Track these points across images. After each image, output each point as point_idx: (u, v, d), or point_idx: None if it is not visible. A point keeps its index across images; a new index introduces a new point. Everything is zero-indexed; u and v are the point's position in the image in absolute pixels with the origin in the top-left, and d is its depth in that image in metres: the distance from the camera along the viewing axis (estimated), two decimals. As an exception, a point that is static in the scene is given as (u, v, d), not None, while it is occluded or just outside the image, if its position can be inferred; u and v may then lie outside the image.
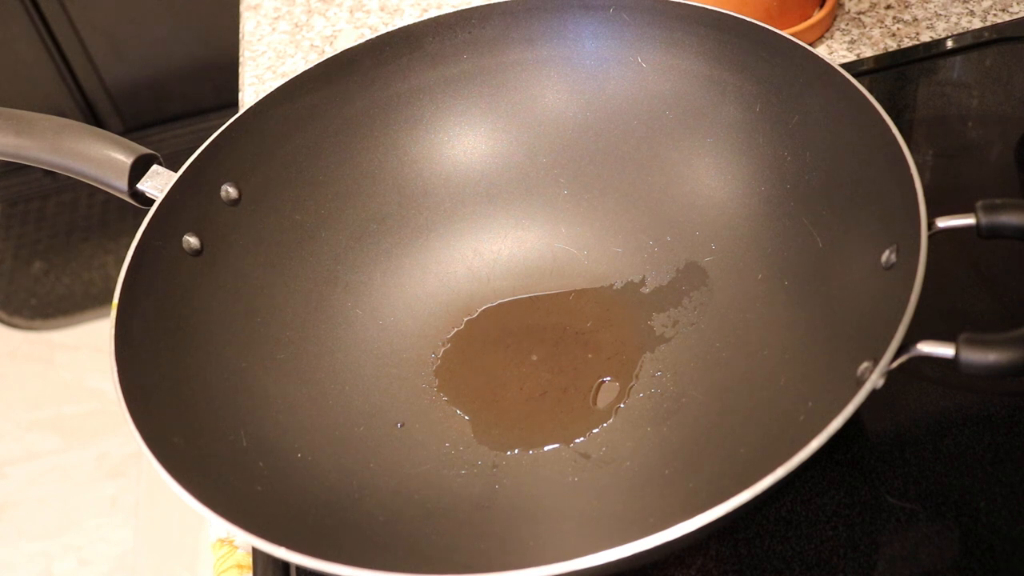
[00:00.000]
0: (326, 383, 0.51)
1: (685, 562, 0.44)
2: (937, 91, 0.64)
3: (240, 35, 0.78)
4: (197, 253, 0.50)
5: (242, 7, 0.81)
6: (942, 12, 0.68)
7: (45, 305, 1.67)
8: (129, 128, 1.74)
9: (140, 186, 0.50)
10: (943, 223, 0.41)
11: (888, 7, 0.69)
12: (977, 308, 0.52)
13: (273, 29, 0.78)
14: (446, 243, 0.57)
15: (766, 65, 0.52)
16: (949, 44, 0.66)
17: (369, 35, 0.56)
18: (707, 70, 0.54)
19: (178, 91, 1.73)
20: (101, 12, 1.61)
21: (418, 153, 0.58)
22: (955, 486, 0.44)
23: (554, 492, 0.47)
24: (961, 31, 0.66)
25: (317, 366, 0.51)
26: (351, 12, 0.78)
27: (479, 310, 0.55)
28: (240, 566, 0.47)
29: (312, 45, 0.76)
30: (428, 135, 0.58)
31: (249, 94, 0.73)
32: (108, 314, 1.50)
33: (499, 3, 0.56)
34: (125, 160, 0.50)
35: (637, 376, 0.51)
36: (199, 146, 0.51)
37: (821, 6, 0.68)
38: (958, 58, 0.65)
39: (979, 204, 0.41)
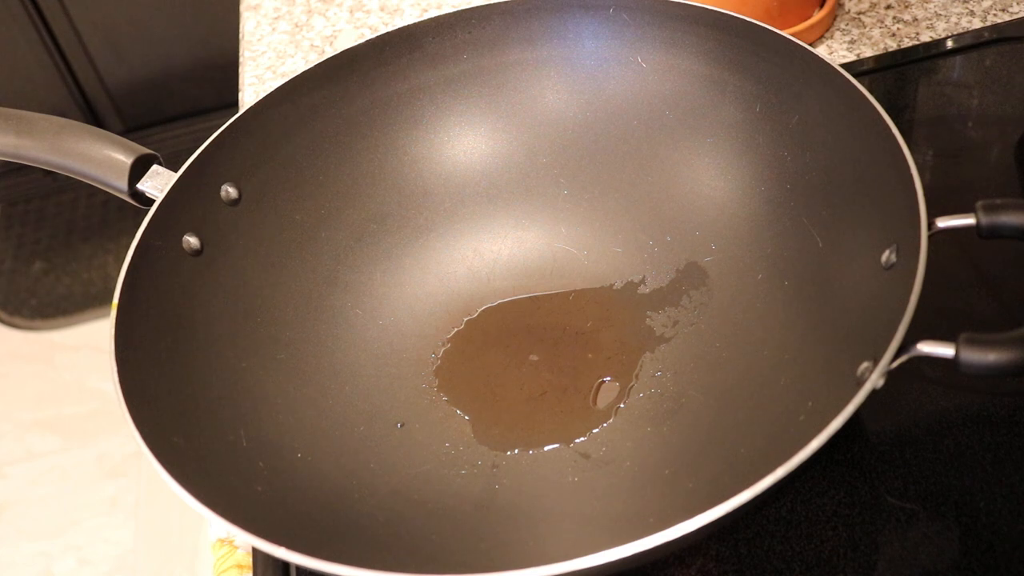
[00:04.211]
0: (326, 383, 0.51)
1: (685, 562, 0.44)
2: (937, 91, 0.64)
3: (240, 35, 0.78)
4: (197, 253, 0.50)
5: (242, 7, 0.81)
6: (942, 12, 0.68)
7: (45, 305, 1.67)
8: (129, 128, 1.74)
9: (140, 186, 0.50)
10: (943, 223, 0.41)
11: (888, 7, 0.69)
12: (977, 308, 0.52)
13: (273, 29, 0.78)
14: (446, 243, 0.57)
15: (766, 65, 0.52)
16: (949, 44, 0.66)
17: (369, 35, 0.56)
18: (707, 70, 0.54)
19: (178, 91, 1.73)
20: (101, 12, 1.61)
21: (418, 153, 0.58)
22: (955, 486, 0.44)
23: (554, 492, 0.47)
24: (961, 31, 0.66)
25: (317, 366, 0.51)
26: (351, 12, 0.78)
27: (479, 310, 0.55)
28: (240, 566, 0.47)
29: (312, 45, 0.76)
30: (428, 135, 0.58)
31: (249, 94, 0.73)
32: (108, 314, 1.50)
33: (499, 3, 0.56)
34: (125, 160, 0.50)
35: (637, 376, 0.51)
36: (199, 146, 0.51)
37: (821, 6, 0.68)
38: (958, 58, 0.65)
39: (979, 204, 0.41)
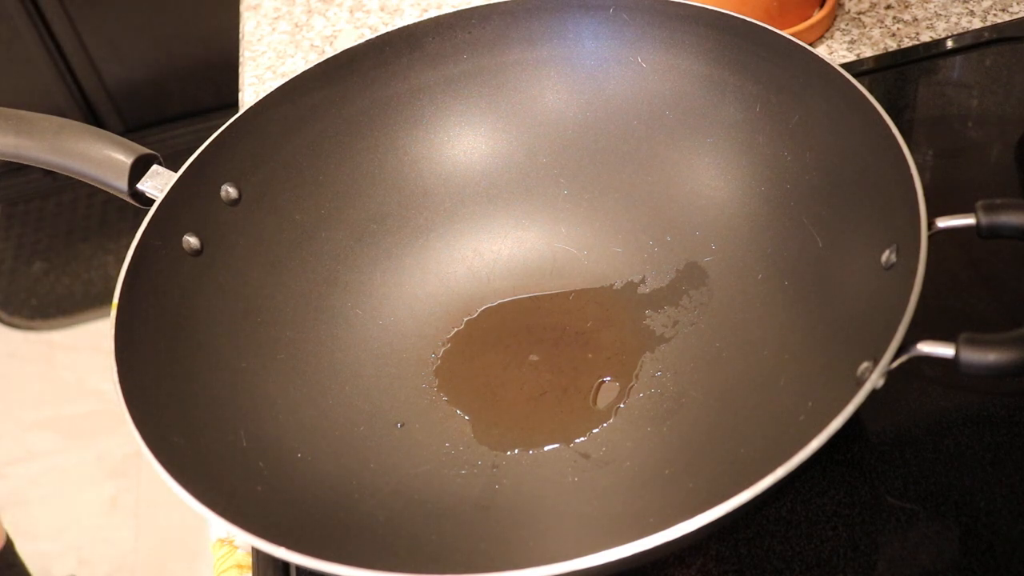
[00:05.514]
0: (326, 383, 0.51)
1: (685, 562, 0.44)
2: (937, 91, 0.64)
3: (240, 35, 0.78)
4: (197, 253, 0.50)
5: (242, 7, 0.81)
6: (942, 12, 0.68)
7: (45, 305, 1.67)
8: (129, 128, 1.74)
9: (140, 186, 0.50)
10: (943, 223, 0.41)
11: (888, 7, 0.69)
12: (977, 308, 0.52)
13: (273, 29, 0.78)
14: (446, 243, 0.57)
15: (766, 65, 0.52)
16: (949, 44, 0.66)
17: (369, 35, 0.56)
18: (707, 70, 0.54)
19: (178, 91, 1.73)
20: (101, 12, 1.61)
21: (418, 153, 0.58)
22: (955, 486, 0.44)
23: (554, 492, 0.47)
24: (961, 31, 0.66)
25: (317, 366, 0.51)
26: (351, 12, 0.78)
27: (479, 310, 0.55)
28: (240, 566, 0.47)
29: (312, 45, 0.76)
30: (428, 135, 0.58)
31: (249, 94, 0.73)
32: (108, 314, 1.50)
33: (499, 3, 0.56)
34: (125, 160, 0.50)
35: (637, 376, 0.51)
36: (199, 146, 0.51)
37: (821, 6, 0.68)
38: (958, 58, 0.65)
39: (979, 204, 0.41)
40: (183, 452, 0.42)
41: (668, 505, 0.44)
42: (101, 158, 0.51)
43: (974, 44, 0.65)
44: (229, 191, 0.52)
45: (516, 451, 0.49)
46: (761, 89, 0.52)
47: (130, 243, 0.47)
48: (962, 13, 0.67)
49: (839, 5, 0.69)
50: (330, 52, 0.63)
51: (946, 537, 0.43)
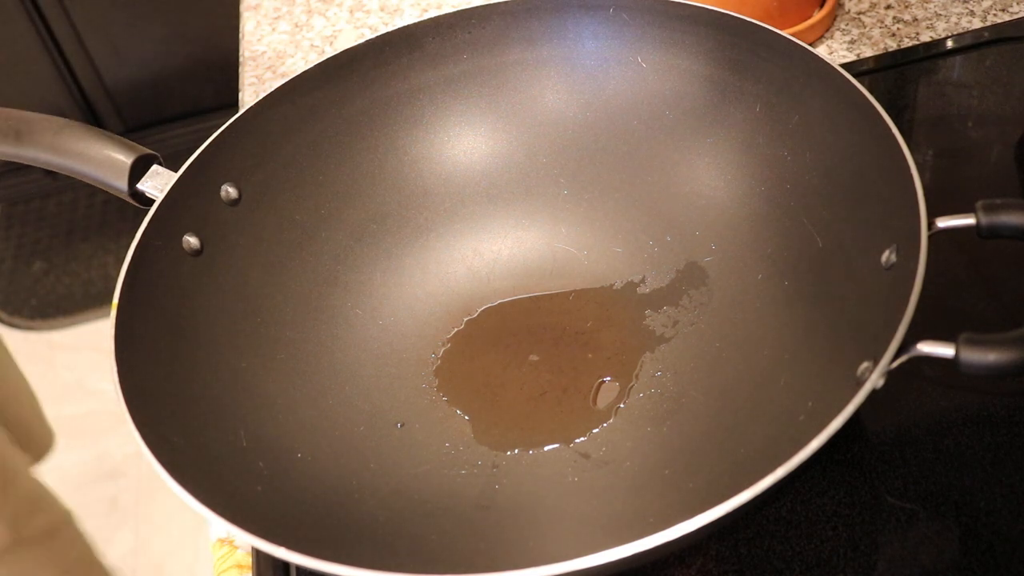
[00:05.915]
0: (326, 383, 0.51)
1: (685, 562, 0.44)
2: (937, 91, 0.64)
3: (240, 35, 0.78)
4: (197, 253, 0.50)
5: (242, 7, 0.81)
6: (942, 12, 0.68)
7: (45, 305, 1.67)
8: (129, 128, 1.74)
9: (140, 186, 0.50)
10: (943, 223, 0.41)
11: (888, 7, 0.69)
12: (977, 308, 0.52)
13: (273, 29, 0.78)
14: (446, 243, 0.57)
15: (766, 65, 0.52)
16: (949, 44, 0.66)
17: (369, 35, 0.56)
18: (707, 70, 0.54)
19: (178, 91, 1.73)
20: (101, 12, 1.61)
21: (418, 153, 0.58)
22: (955, 486, 0.44)
23: (554, 492, 0.47)
24: (961, 31, 0.66)
25: (317, 366, 0.51)
26: (351, 12, 0.78)
27: (479, 310, 0.55)
28: (240, 566, 0.47)
29: (312, 45, 0.76)
30: (428, 135, 0.58)
31: (249, 94, 0.73)
32: (108, 314, 1.50)
33: (499, 3, 0.56)
34: (125, 160, 0.50)
35: (637, 376, 0.51)
36: (199, 146, 0.51)
37: (821, 6, 0.68)
38: (958, 58, 0.65)
39: (979, 204, 0.41)
40: (183, 452, 0.42)
41: (668, 505, 0.44)
42: (101, 158, 0.51)
43: (974, 44, 0.65)
44: (229, 191, 0.52)
45: (516, 451, 0.49)
46: (761, 89, 0.52)
47: (130, 243, 0.47)
48: (962, 13, 0.67)
49: (839, 5, 0.69)
50: (330, 52, 0.63)
51: (946, 537, 0.43)
